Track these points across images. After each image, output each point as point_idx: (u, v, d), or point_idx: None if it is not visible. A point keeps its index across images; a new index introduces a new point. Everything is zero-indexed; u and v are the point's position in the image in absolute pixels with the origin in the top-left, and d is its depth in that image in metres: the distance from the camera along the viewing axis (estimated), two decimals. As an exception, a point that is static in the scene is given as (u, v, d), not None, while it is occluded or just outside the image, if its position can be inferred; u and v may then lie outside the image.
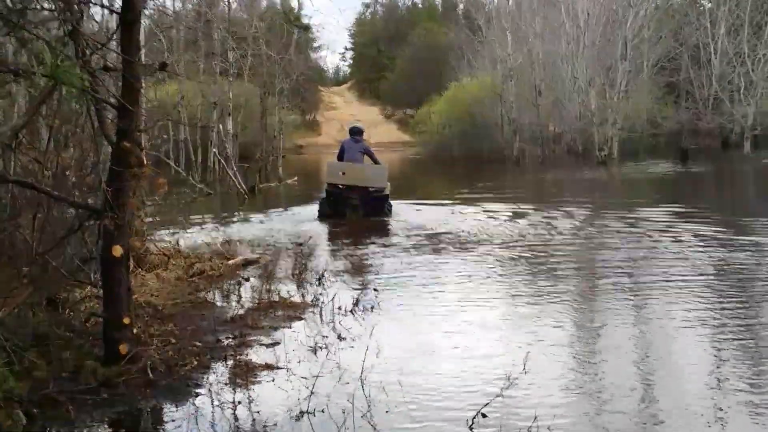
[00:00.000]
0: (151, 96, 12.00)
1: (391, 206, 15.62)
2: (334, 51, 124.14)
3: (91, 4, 5.24)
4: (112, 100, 5.10)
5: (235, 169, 22.17)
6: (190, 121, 22.19)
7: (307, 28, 26.13)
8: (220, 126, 24.04)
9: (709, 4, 42.20)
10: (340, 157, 15.59)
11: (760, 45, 38.05)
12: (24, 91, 7.97)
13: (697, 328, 6.69)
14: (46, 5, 5.12)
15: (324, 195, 15.59)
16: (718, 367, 5.62)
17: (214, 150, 24.25)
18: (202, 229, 13.77)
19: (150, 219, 10.07)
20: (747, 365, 5.62)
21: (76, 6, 4.86)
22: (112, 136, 5.15)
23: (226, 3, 24.15)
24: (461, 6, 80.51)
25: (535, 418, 4.44)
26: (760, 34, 38.29)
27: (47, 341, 5.69)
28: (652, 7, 40.70)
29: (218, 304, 7.78)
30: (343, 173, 14.96)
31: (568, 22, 38.26)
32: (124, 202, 5.02)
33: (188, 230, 12.97)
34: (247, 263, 9.85)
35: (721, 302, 7.70)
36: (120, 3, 4.83)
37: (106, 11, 7.30)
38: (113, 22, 5.97)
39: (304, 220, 15.25)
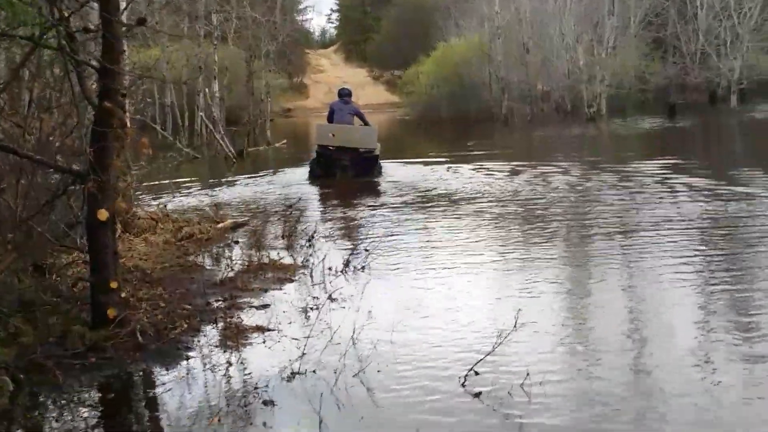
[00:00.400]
0: (134, 59, 11.84)
1: (381, 167, 15.69)
2: (320, 13, 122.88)
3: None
4: (93, 62, 4.98)
5: (222, 132, 21.97)
6: (175, 84, 21.91)
7: None
8: (206, 90, 23.78)
9: (696, -42, 41.80)
10: (330, 119, 15.64)
11: (746, -2, 37.82)
12: (3, 55, 7.84)
13: (690, 279, 6.70)
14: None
15: (314, 157, 15.64)
16: (709, 319, 5.62)
17: (200, 114, 24.02)
18: (191, 193, 13.70)
19: (137, 183, 9.97)
20: (738, 316, 5.63)
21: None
22: (94, 99, 5.04)
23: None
24: (447, -36, 79.70)
25: (528, 374, 4.42)
26: (747, -13, 38.02)
27: (34, 307, 5.64)
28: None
29: (207, 267, 7.72)
30: (333, 135, 14.98)
31: (555, -22, 37.92)
32: (107, 165, 4.92)
33: (176, 194, 12.91)
34: (236, 226, 9.79)
35: (712, 253, 7.75)
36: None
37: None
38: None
39: (294, 182, 15.17)
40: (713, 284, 6.57)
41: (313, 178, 15.29)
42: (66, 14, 4.80)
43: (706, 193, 11.36)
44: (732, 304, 5.98)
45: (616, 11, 36.83)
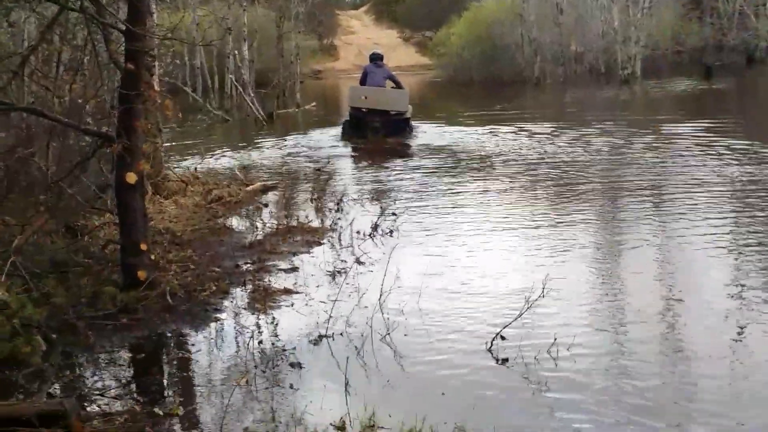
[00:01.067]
0: (164, 22, 11.82)
1: (412, 128, 15.79)
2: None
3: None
4: (120, 25, 4.97)
5: (252, 95, 21.91)
6: (203, 46, 21.86)
7: None
8: (236, 52, 23.70)
9: None
10: (363, 82, 15.78)
11: (788, -43, 36.81)
12: (33, 18, 7.86)
13: (725, 245, 6.64)
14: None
15: (347, 118, 15.84)
16: (743, 286, 5.54)
17: (230, 77, 23.97)
18: (221, 155, 13.72)
19: (167, 145, 10.01)
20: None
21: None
22: (121, 61, 5.04)
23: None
24: None
25: (555, 340, 4.40)
26: (790, -55, 36.98)
27: (65, 268, 5.72)
28: None
29: (237, 229, 7.77)
30: (365, 97, 15.14)
31: (591, -64, 37.12)
32: (134, 127, 4.93)
33: (207, 156, 12.95)
34: (265, 189, 9.81)
35: (748, 217, 7.66)
36: None
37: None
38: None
39: (324, 144, 15.11)
40: (748, 250, 6.48)
41: (345, 138, 15.39)
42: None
43: (743, 155, 11.14)
44: (763, 263, 5.90)
45: (653, -30, 36.04)
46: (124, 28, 4.79)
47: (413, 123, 16.09)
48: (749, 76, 32.49)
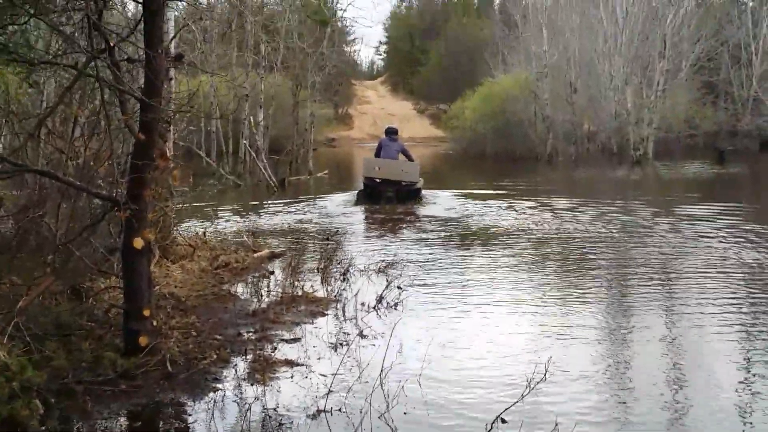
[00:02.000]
0: (183, 87, 12.03)
1: (422, 197, 16.76)
2: (368, 45, 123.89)
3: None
4: (136, 93, 5.06)
5: (265, 161, 22.18)
6: (221, 113, 22.23)
7: (324, 22, 25.97)
8: (251, 118, 24.05)
9: (752, 3, 41.38)
10: (378, 154, 16.98)
11: (802, 45, 37.33)
12: (53, 81, 8.02)
13: (733, 329, 6.60)
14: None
15: (362, 188, 16.81)
16: (751, 371, 5.47)
17: (244, 142, 24.27)
18: (232, 219, 13.81)
19: (178, 207, 10.07)
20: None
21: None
22: (135, 128, 5.12)
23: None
24: (497, 1, 79.99)
25: (556, 425, 4.34)
26: (803, 34, 37.56)
27: (68, 330, 5.70)
28: (693, 4, 40.02)
29: (242, 296, 7.75)
30: (379, 168, 16.33)
31: (606, 18, 37.72)
32: (142, 194, 4.98)
33: (217, 221, 13.02)
34: (273, 256, 9.83)
35: (757, 301, 7.61)
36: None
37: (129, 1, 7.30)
38: (138, 11, 5.92)
39: (333, 213, 15.27)
40: (757, 335, 6.42)
41: (360, 203, 16.31)
42: (111, 44, 4.89)
43: (753, 240, 11.14)
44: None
45: (668, 54, 36.53)
46: (139, 96, 4.88)
47: (424, 192, 17.04)
48: (763, 162, 32.61)
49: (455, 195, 18.79)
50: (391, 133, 17.37)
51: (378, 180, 16.23)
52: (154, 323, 5.58)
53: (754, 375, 5.45)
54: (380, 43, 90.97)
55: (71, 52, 5.67)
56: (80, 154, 6.51)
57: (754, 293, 8.01)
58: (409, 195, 16.27)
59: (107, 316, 6.21)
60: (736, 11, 40.97)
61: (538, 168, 31.36)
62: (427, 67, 72.63)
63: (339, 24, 35.14)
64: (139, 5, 4.97)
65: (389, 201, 15.87)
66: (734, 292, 8.01)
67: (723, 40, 39.65)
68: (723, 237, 11.58)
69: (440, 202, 16.91)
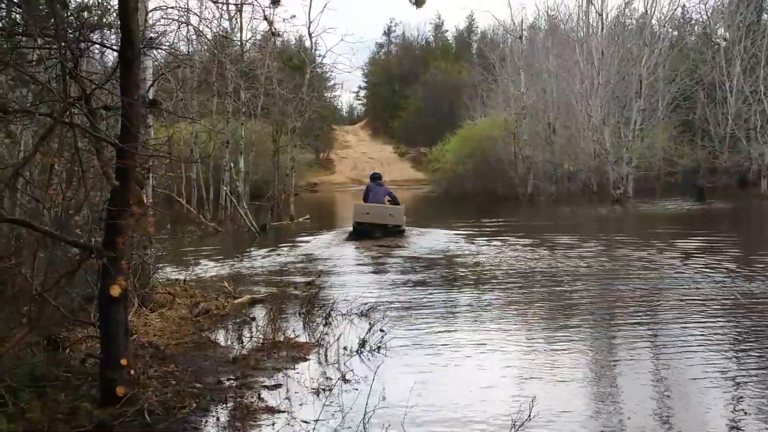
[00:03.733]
0: (162, 134, 12.02)
1: (407, 236, 18.29)
2: (348, 90, 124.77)
3: (90, 43, 5.18)
4: (112, 139, 5.04)
5: (246, 207, 22.16)
6: (201, 160, 22.26)
7: (298, 68, 26.55)
8: (232, 164, 24.06)
9: (725, 42, 42.11)
10: (366, 199, 18.81)
11: (776, 83, 37.89)
12: (30, 129, 7.98)
13: (718, 365, 6.55)
14: (40, 42, 5.07)
15: (351, 231, 18.43)
16: (738, 409, 5.44)
17: (225, 188, 24.25)
18: (212, 266, 13.71)
19: (158, 254, 9.99)
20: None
21: (74, 45, 4.81)
22: (112, 175, 5.08)
23: (239, 42, 24.37)
24: (475, 45, 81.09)
25: (541, 466, 4.28)
26: (776, 72, 38.15)
27: (44, 382, 5.59)
28: (667, 45, 40.73)
29: (222, 344, 7.65)
30: (368, 213, 18.10)
31: (582, 60, 38.28)
32: (118, 243, 4.92)
33: (198, 267, 12.93)
34: (254, 302, 9.74)
35: (741, 337, 7.64)
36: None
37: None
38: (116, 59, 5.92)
39: (316, 256, 15.23)
40: (745, 368, 6.42)
41: (348, 240, 17.88)
42: (88, 91, 4.87)
43: (735, 275, 11.22)
44: (765, 392, 5.80)
45: (644, 93, 37.04)
46: (115, 143, 4.85)
47: (408, 228, 18.91)
48: (741, 198, 32.96)
49: (439, 234, 19.21)
50: (377, 178, 19.40)
51: (367, 224, 17.90)
52: (132, 373, 5.48)
53: (742, 412, 5.42)
54: (360, 88, 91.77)
55: (47, 101, 5.65)
56: (57, 203, 6.44)
57: (740, 323, 8.10)
58: (395, 234, 17.82)
59: (84, 366, 6.10)
60: (710, 51, 41.66)
61: (519, 207, 31.52)
62: (407, 111, 73.27)
63: (318, 70, 35.38)
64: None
65: (376, 237, 17.45)
66: (719, 324, 8.07)
67: (698, 79, 40.30)
68: (705, 270, 11.70)
69: (423, 243, 17.22)
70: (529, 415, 4.77)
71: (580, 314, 9.07)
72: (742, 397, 5.74)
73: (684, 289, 10.30)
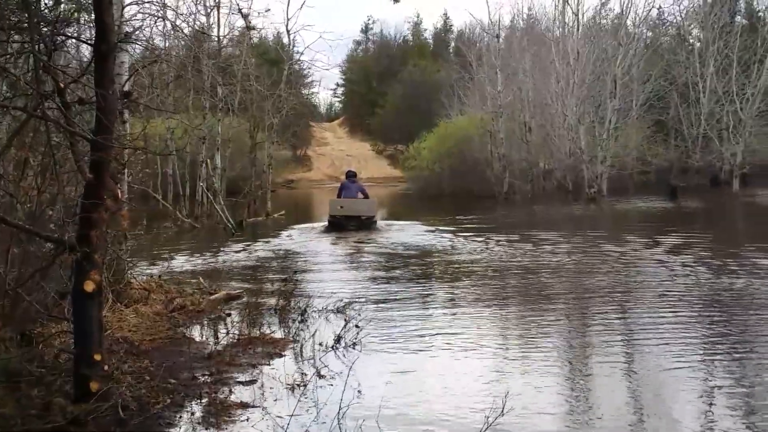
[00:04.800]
0: (137, 128, 11.94)
1: (379, 228, 19.72)
2: (325, 87, 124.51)
3: (64, 37, 5.15)
4: (86, 133, 5.01)
5: (222, 203, 22.08)
6: (177, 155, 22.16)
7: (275, 62, 26.76)
8: (208, 161, 23.96)
9: (698, 44, 42.47)
10: (339, 194, 20.51)
11: (748, 84, 38.20)
12: (5, 124, 7.91)
13: (692, 358, 6.67)
14: (16, 38, 5.04)
15: (327, 223, 20.07)
16: (712, 402, 5.53)
17: (201, 184, 24.13)
18: (187, 263, 13.65)
19: (133, 249, 9.94)
20: (746, 398, 5.55)
21: (47, 39, 4.79)
22: (86, 169, 5.06)
23: (217, 38, 24.26)
24: (452, 44, 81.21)
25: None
26: (749, 72, 38.45)
27: (17, 377, 5.56)
28: (641, 46, 41.02)
29: (197, 339, 7.64)
30: (342, 207, 19.77)
31: (558, 60, 38.46)
32: (92, 237, 4.90)
33: (174, 263, 12.88)
34: (229, 298, 9.71)
35: (715, 330, 7.76)
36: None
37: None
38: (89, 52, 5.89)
39: (292, 253, 15.22)
40: (718, 362, 6.52)
41: (326, 232, 19.23)
42: (62, 85, 4.85)
43: (708, 270, 11.42)
44: (737, 385, 5.90)
45: (619, 94, 37.27)
46: (89, 137, 4.83)
47: (381, 222, 20.77)
48: (713, 197, 33.30)
49: (415, 230, 19.67)
50: (351, 175, 21.20)
51: (342, 216, 19.41)
52: (106, 368, 5.45)
53: (716, 405, 5.50)
54: (337, 85, 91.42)
55: (21, 94, 5.61)
56: (32, 198, 6.40)
57: (714, 317, 8.29)
58: (367, 226, 19.30)
59: (58, 362, 6.07)
60: (684, 51, 41.99)
61: (495, 205, 31.64)
62: (385, 109, 73.13)
63: (296, 67, 35.25)
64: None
65: (351, 230, 18.80)
66: (693, 318, 8.24)
67: (671, 79, 40.59)
68: (679, 266, 11.85)
69: (399, 238, 17.39)
70: (503, 410, 4.81)
71: (555, 309, 9.16)
72: (714, 388, 5.83)
73: (658, 283, 10.45)
